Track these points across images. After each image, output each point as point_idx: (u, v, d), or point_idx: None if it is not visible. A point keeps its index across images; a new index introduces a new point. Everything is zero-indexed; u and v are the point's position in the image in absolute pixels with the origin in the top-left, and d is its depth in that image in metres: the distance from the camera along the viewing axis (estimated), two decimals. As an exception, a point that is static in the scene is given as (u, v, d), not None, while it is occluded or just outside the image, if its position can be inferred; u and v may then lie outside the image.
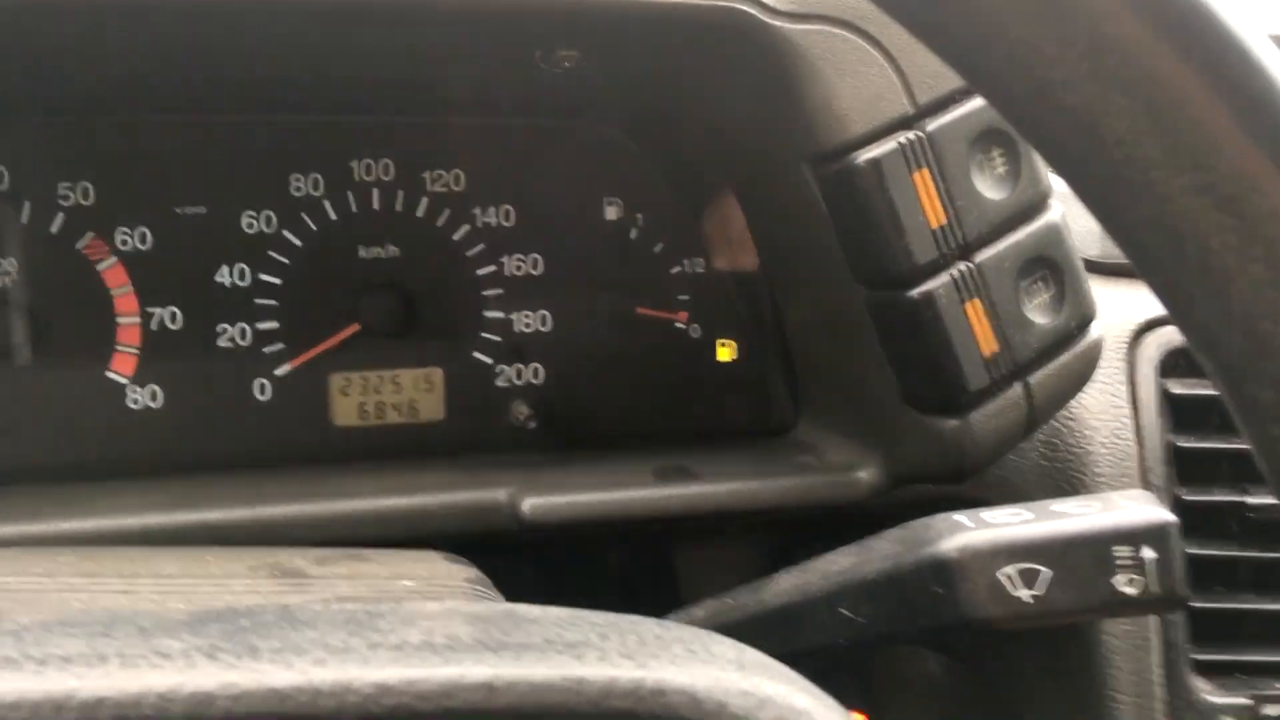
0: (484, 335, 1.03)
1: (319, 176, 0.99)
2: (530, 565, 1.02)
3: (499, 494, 0.91)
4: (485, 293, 1.03)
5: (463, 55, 0.85)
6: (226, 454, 0.98)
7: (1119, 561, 0.60)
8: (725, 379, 1.07)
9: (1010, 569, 0.60)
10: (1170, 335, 1.04)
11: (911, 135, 0.80)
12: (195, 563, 0.71)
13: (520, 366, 1.04)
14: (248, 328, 0.98)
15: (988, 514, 0.63)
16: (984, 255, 0.81)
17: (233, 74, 0.92)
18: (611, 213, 1.05)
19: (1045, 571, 0.60)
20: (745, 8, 0.76)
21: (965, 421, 0.83)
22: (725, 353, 1.08)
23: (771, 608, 0.69)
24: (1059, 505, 0.64)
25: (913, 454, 0.89)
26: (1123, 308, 1.04)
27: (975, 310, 0.81)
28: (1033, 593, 0.60)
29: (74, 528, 0.83)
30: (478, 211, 1.02)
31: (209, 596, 0.63)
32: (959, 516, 0.63)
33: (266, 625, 0.45)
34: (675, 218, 1.05)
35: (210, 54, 0.86)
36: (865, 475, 0.93)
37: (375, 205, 1.00)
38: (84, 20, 0.76)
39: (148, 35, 0.80)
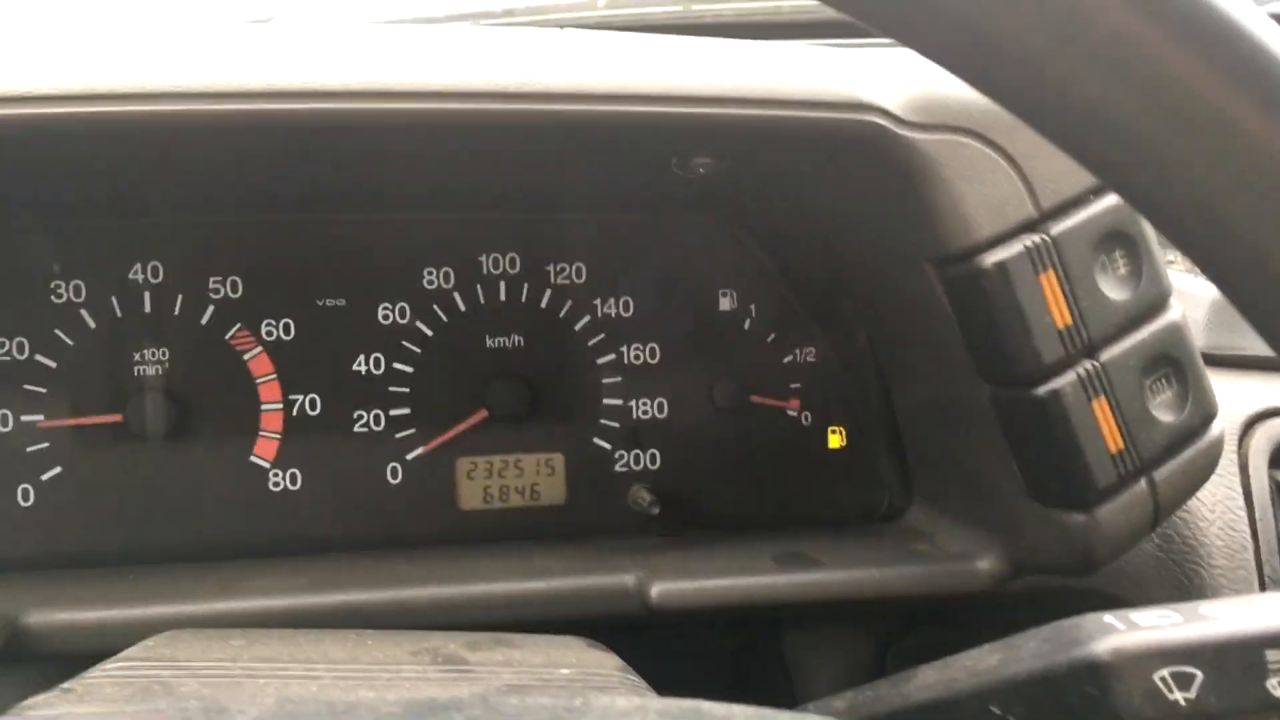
0: (603, 421, 1.07)
1: (450, 270, 1.04)
2: (635, 644, 1.04)
3: (627, 579, 0.94)
4: (605, 380, 1.07)
5: (602, 162, 0.89)
6: (360, 535, 1.02)
7: (1271, 665, 0.61)
8: (836, 465, 1.10)
9: (1164, 672, 0.61)
10: (1281, 427, 1.05)
11: (1037, 238, 0.82)
12: (359, 648, 0.74)
13: (638, 452, 1.07)
14: (382, 414, 1.03)
15: (1136, 615, 0.65)
16: (1109, 354, 0.83)
17: (372, 180, 0.97)
18: (726, 303, 1.09)
19: (1198, 675, 0.61)
20: (880, 121, 0.79)
21: (1092, 517, 0.84)
22: (836, 439, 1.10)
23: (917, 703, 0.70)
24: (1206, 607, 0.65)
25: (1037, 546, 0.90)
26: (1232, 399, 1.05)
27: (1101, 408, 0.83)
28: (1186, 696, 0.61)
29: (230, 608, 0.87)
30: (598, 303, 1.06)
31: (388, 684, 0.66)
32: (1108, 618, 0.65)
33: (479, 720, 0.48)
34: (787, 308, 1.09)
35: (352, 162, 0.91)
36: (985, 565, 0.95)
37: (502, 297, 1.05)
38: (232, 136, 0.81)
39: (290, 148, 0.85)
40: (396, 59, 0.78)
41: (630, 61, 0.80)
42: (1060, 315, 0.83)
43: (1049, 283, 0.82)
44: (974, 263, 0.82)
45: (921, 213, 0.83)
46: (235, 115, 0.73)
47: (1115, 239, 0.84)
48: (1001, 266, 0.82)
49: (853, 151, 0.82)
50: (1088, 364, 0.83)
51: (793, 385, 1.09)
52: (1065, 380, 0.83)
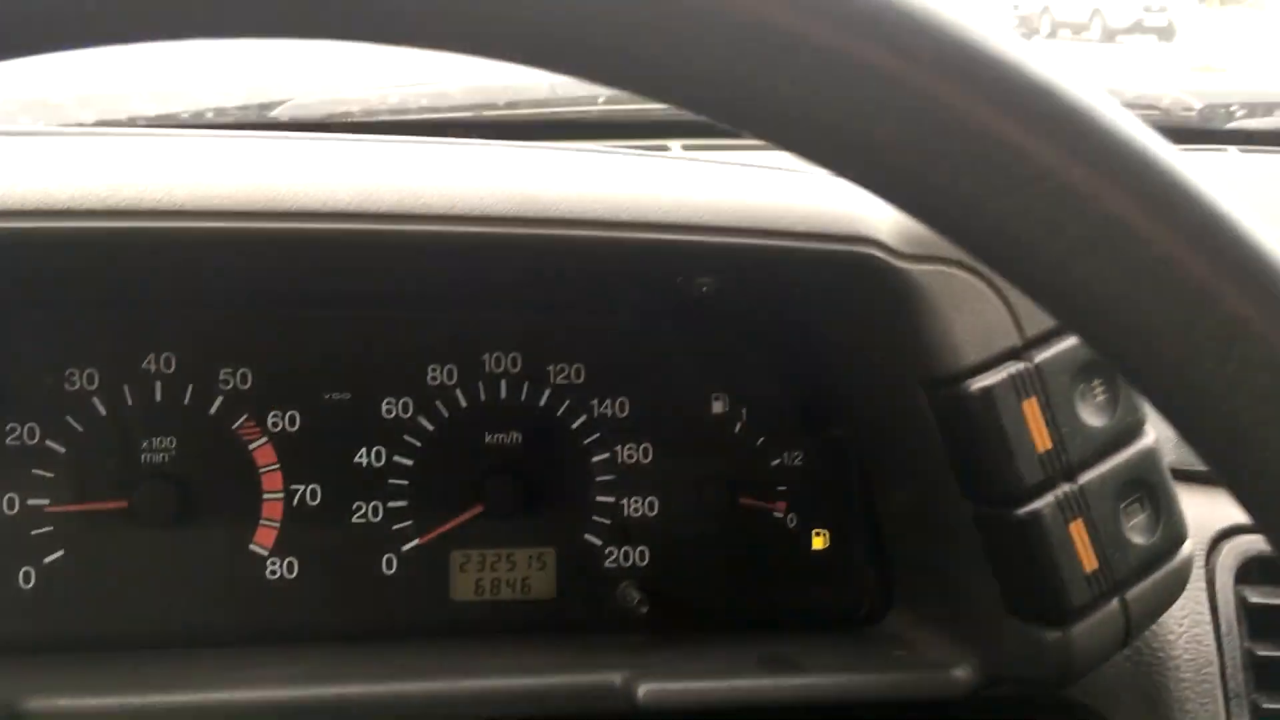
0: (595, 518, 1.10)
1: (454, 368, 1.07)
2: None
3: (614, 678, 0.96)
4: (598, 478, 1.10)
5: (608, 276, 0.94)
6: (353, 625, 1.04)
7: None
8: (819, 567, 1.13)
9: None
10: (1247, 544, 1.09)
11: (1021, 366, 0.87)
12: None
13: (628, 549, 1.10)
14: (380, 505, 1.05)
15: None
16: (1086, 478, 0.88)
17: (380, 282, 1.01)
18: (718, 407, 1.12)
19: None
20: (876, 253, 0.84)
21: (1067, 634, 0.88)
22: (820, 541, 1.13)
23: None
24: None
25: (1013, 658, 0.94)
26: (1200, 515, 1.09)
27: (1078, 530, 0.87)
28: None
29: (228, 698, 0.89)
30: (595, 403, 1.10)
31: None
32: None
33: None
34: (776, 414, 1.13)
35: (362, 268, 0.95)
36: (962, 674, 0.98)
37: (502, 395, 1.08)
38: (250, 251, 0.85)
39: (305, 259, 0.89)
40: (409, 177, 0.82)
41: (641, 186, 0.84)
42: (1041, 440, 0.87)
43: (1031, 409, 0.87)
44: (961, 387, 0.87)
45: (912, 338, 0.87)
46: (256, 233, 0.77)
47: (1094, 368, 0.89)
48: (987, 392, 0.86)
49: (849, 278, 0.87)
50: (1066, 487, 0.87)
51: (780, 488, 1.13)
52: (1045, 503, 0.87)
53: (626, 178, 0.85)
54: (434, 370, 1.07)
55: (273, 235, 0.76)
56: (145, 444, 1.01)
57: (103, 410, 1.00)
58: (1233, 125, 1.85)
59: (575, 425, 1.10)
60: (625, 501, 1.10)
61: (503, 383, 1.08)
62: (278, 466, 1.03)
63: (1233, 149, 1.79)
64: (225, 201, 0.75)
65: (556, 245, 0.80)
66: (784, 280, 0.93)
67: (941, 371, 0.87)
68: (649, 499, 1.11)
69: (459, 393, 1.07)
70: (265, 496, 1.03)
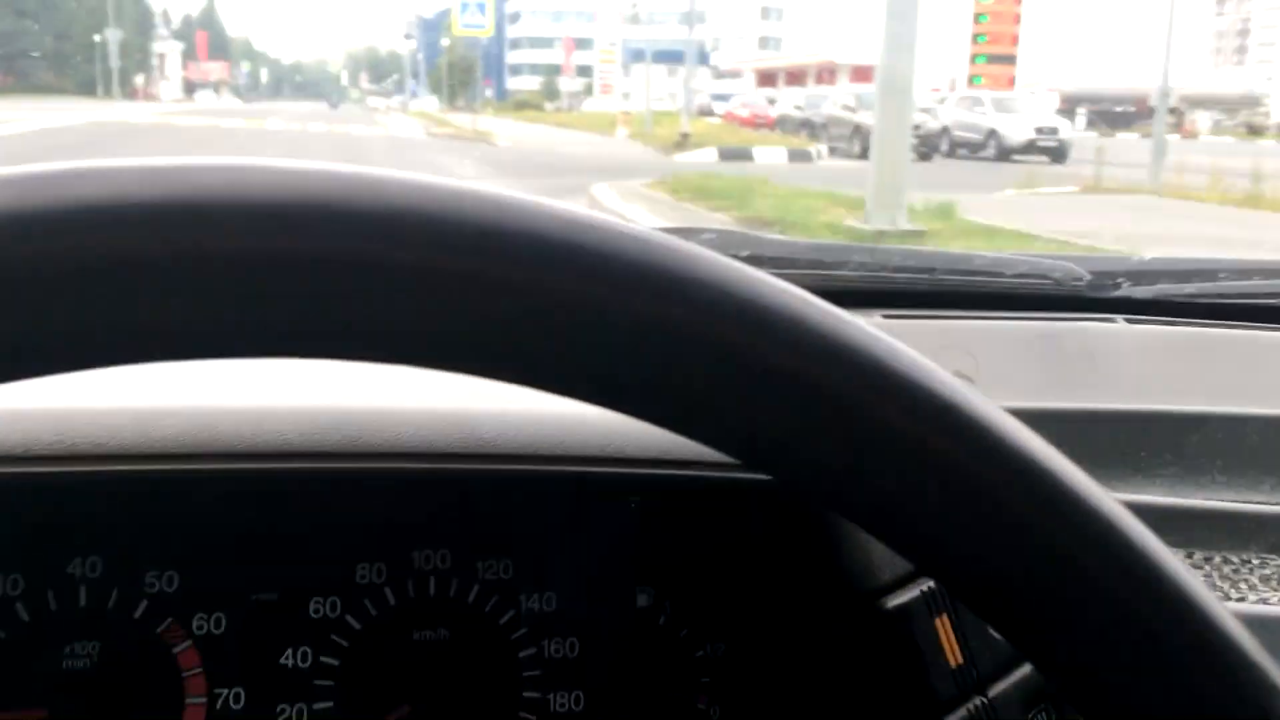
0: (522, 714, 1.11)
1: (382, 566, 1.08)
2: None
3: None
4: (525, 674, 1.11)
5: (536, 493, 0.97)
6: (276, 833, 1.03)
7: None
8: (742, 759, 1.15)
9: None
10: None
11: (931, 584, 0.92)
12: None
13: (554, 745, 1.11)
14: (305, 707, 1.05)
15: None
16: (996, 690, 0.92)
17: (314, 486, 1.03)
18: (642, 600, 1.15)
19: None
20: (795, 480, 0.89)
21: (981, 844, 0.92)
22: (742, 733, 1.16)
23: None
24: None
25: None
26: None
27: (990, 742, 0.91)
28: None
29: None
30: (523, 598, 1.12)
31: None
32: None
33: None
34: (700, 608, 1.16)
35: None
36: None
37: (431, 592, 1.09)
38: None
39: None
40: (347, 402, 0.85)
41: (564, 419, 0.88)
42: (954, 655, 0.91)
43: (943, 625, 0.92)
44: (876, 605, 0.91)
45: (826, 557, 0.92)
46: (194, 474, 0.79)
47: (999, 583, 0.94)
48: (902, 609, 0.91)
49: (764, 506, 0.91)
50: (978, 700, 0.92)
51: (703, 679, 1.15)
52: (958, 716, 0.91)
53: (552, 409, 0.89)
54: (363, 569, 1.08)
55: (212, 475, 0.78)
56: (68, 649, 0.99)
57: (26, 616, 0.99)
58: (1119, 294, 1.97)
59: (503, 620, 1.11)
60: (551, 696, 1.12)
61: (431, 579, 1.10)
62: (201, 670, 1.03)
63: (1121, 318, 1.90)
64: (167, 444, 0.77)
65: (493, 477, 0.84)
66: (703, 497, 0.97)
67: (856, 590, 0.92)
68: (575, 693, 1.12)
69: (388, 590, 1.08)
70: (188, 701, 1.02)
